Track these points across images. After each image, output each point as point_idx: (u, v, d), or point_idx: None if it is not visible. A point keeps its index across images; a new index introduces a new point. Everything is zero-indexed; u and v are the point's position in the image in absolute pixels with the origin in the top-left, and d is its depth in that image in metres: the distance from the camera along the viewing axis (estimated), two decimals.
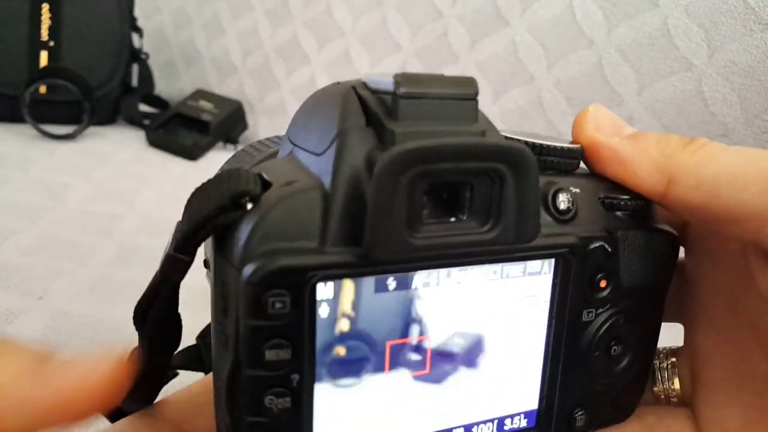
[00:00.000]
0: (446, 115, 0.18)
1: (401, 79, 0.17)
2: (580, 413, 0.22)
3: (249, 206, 0.17)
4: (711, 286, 0.23)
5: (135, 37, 0.89)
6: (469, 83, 0.18)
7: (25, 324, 0.36)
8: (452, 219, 0.18)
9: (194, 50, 0.94)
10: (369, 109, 0.18)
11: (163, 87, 0.97)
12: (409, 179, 0.16)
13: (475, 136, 0.18)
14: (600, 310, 0.22)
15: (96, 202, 0.59)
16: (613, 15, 0.56)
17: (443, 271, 0.18)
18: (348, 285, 0.17)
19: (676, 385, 0.24)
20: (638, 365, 0.23)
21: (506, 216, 0.18)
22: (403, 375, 0.19)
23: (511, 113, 0.63)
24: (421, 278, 0.18)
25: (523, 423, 0.21)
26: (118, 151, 0.76)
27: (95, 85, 0.80)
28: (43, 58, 0.80)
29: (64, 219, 0.53)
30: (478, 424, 0.21)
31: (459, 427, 0.20)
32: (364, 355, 0.18)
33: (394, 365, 0.19)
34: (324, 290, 0.17)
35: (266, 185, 0.17)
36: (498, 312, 0.20)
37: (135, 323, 0.20)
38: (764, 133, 0.49)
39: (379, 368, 0.19)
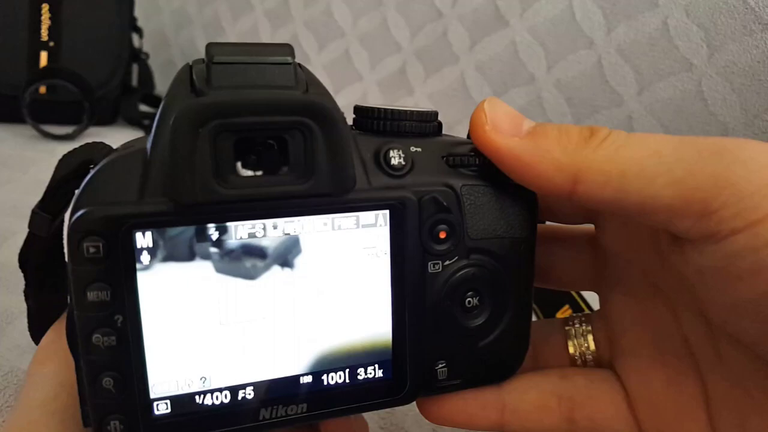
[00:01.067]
0: (261, 79, 0.18)
1: (214, 49, 0.18)
2: (441, 366, 0.22)
3: (91, 170, 0.19)
4: (624, 259, 0.24)
5: (135, 37, 0.89)
6: (284, 49, 0.19)
7: (25, 324, 0.36)
8: (266, 171, 0.19)
9: (194, 50, 0.94)
10: (193, 79, 0.19)
11: (163, 87, 0.97)
12: (210, 132, 0.17)
13: (284, 93, 0.19)
14: (447, 262, 0.22)
15: None
16: (612, 15, 0.56)
17: (268, 222, 0.19)
18: (167, 233, 0.18)
19: (592, 345, 0.25)
20: (508, 322, 0.23)
21: (319, 168, 0.19)
22: (240, 323, 0.20)
23: None
24: (244, 229, 0.19)
25: (379, 373, 0.22)
26: None
27: (95, 85, 0.79)
28: (43, 58, 0.80)
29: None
30: (328, 372, 0.21)
31: (307, 374, 0.21)
32: (194, 307, 0.19)
33: (228, 313, 0.20)
34: (143, 239, 0.18)
35: (111, 152, 0.19)
36: (335, 262, 0.20)
37: (20, 267, 0.22)
38: (764, 133, 0.49)
39: (213, 315, 0.20)
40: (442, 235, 0.21)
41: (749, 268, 0.17)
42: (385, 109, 0.21)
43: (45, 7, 0.80)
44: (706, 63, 0.51)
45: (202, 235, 0.19)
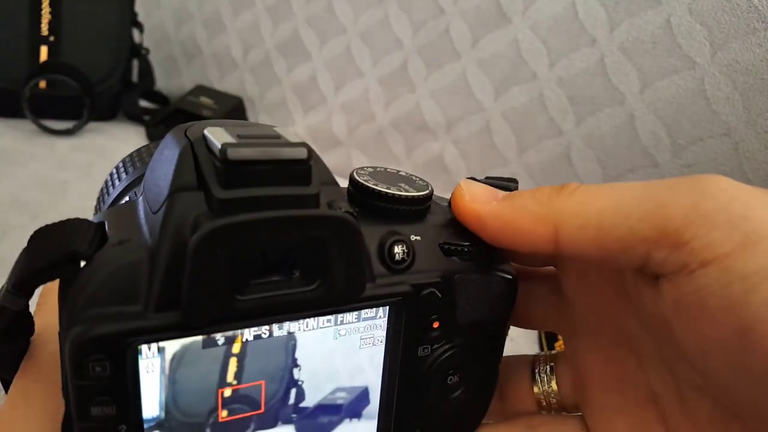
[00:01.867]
0: (277, 179, 0.18)
1: (228, 145, 0.17)
2: None
3: (82, 263, 0.17)
4: (587, 307, 0.24)
5: (135, 32, 0.89)
6: (301, 148, 0.18)
7: None
8: (280, 279, 0.18)
9: (195, 46, 0.94)
10: (201, 171, 0.18)
11: (163, 83, 0.97)
12: (227, 251, 0.17)
13: (303, 200, 0.18)
14: (435, 346, 0.23)
15: (96, 198, 0.59)
16: (615, 13, 0.56)
17: (275, 325, 0.19)
18: (174, 344, 0.18)
19: (555, 388, 0.26)
20: (477, 389, 0.24)
21: (332, 276, 0.19)
22: (237, 418, 0.20)
23: (513, 111, 0.62)
24: (250, 332, 0.19)
25: None
26: (118, 147, 0.76)
27: (95, 80, 0.79)
28: (43, 53, 0.80)
29: (64, 215, 0.52)
30: None
31: None
32: (194, 405, 0.19)
33: (227, 410, 0.19)
34: (148, 351, 0.17)
35: (103, 240, 0.18)
36: (336, 351, 0.21)
37: None
38: (767, 132, 0.48)
39: (213, 414, 0.19)
40: (435, 325, 0.22)
41: (718, 305, 0.17)
42: (387, 193, 0.22)
43: (45, 2, 0.80)
44: (708, 61, 0.51)
45: (209, 342, 0.19)
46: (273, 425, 0.20)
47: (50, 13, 0.80)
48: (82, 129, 0.77)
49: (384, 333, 0.22)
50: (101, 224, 0.19)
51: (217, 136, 0.17)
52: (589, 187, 0.20)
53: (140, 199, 0.20)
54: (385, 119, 0.73)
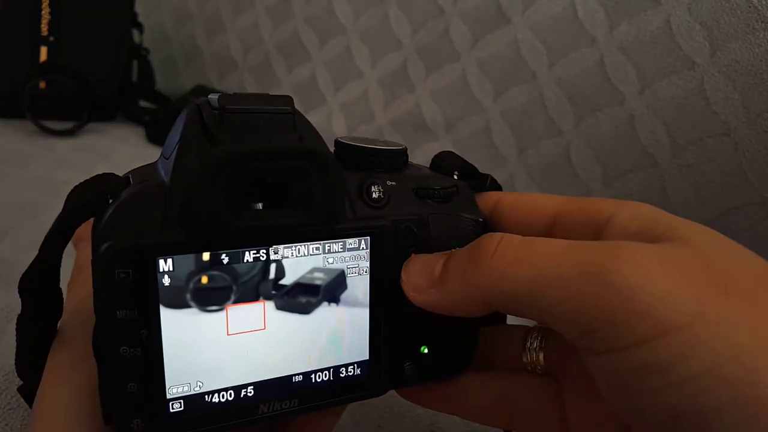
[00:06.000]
0: (266, 126, 0.22)
1: (225, 98, 0.21)
2: (408, 365, 0.26)
3: (110, 201, 0.21)
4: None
5: (135, 33, 0.89)
6: (286, 100, 0.22)
7: None
8: (271, 205, 0.22)
9: (195, 46, 0.94)
10: (205, 122, 0.22)
11: (163, 83, 0.97)
12: (226, 176, 0.20)
13: (287, 140, 0.22)
14: None
15: None
16: (615, 13, 0.56)
17: (270, 248, 0.23)
18: (186, 260, 0.21)
19: (542, 361, 0.28)
20: (460, 327, 0.26)
21: (314, 202, 0.22)
22: (242, 334, 0.23)
23: (513, 111, 0.62)
24: (250, 254, 0.22)
25: (357, 372, 0.26)
26: (117, 147, 0.76)
27: (95, 81, 0.79)
28: (43, 53, 0.80)
29: None
30: (316, 372, 0.25)
31: (298, 374, 0.24)
32: (207, 313, 0.22)
33: (233, 326, 0.23)
34: (164, 264, 0.21)
35: (128, 184, 0.22)
36: (326, 279, 0.24)
37: (20, 293, 0.23)
38: (767, 132, 0.48)
39: (221, 328, 0.22)
40: (412, 256, 0.25)
41: (614, 390, 0.19)
42: (365, 147, 0.26)
43: (45, 2, 0.80)
44: (708, 61, 0.51)
45: (215, 261, 0.22)
46: (254, 299, 0.23)
47: (50, 13, 0.80)
48: (82, 129, 0.77)
49: (368, 264, 0.25)
50: (126, 176, 0.22)
51: (219, 96, 0.21)
52: (506, 255, 0.21)
53: (158, 160, 0.23)
54: (385, 119, 0.73)
